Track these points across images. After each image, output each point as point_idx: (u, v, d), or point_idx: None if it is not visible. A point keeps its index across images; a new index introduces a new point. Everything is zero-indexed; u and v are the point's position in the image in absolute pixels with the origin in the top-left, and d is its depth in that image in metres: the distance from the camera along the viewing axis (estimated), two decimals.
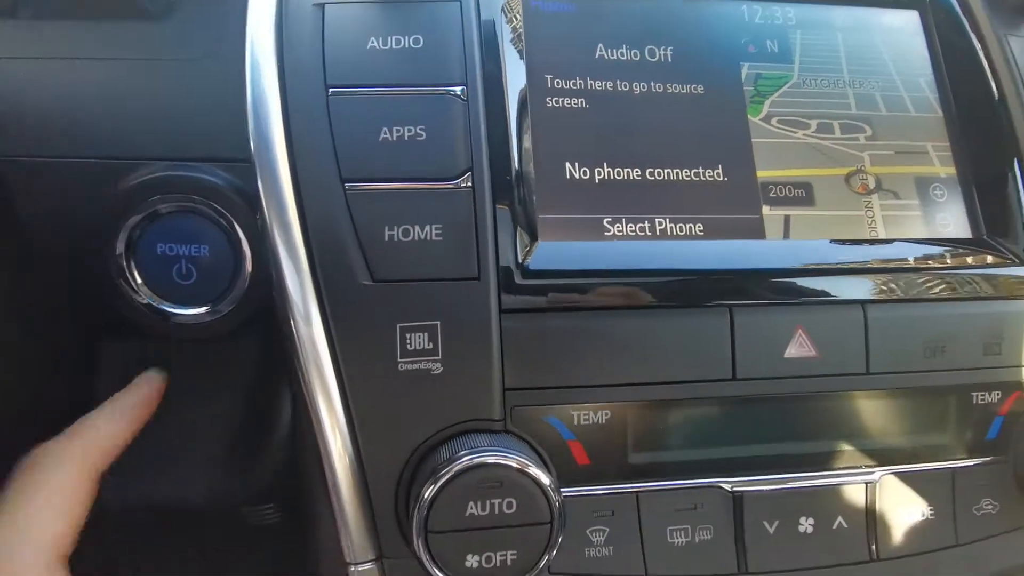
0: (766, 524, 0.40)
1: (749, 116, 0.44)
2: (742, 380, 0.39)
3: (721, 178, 0.43)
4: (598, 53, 0.43)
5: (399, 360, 0.36)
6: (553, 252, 0.39)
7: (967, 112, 0.47)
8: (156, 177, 0.41)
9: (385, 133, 0.38)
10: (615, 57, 0.44)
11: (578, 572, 0.38)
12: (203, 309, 0.42)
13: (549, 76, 0.42)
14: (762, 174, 0.43)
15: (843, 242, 0.43)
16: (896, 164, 0.45)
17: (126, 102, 0.45)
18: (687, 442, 0.40)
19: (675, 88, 0.44)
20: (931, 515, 0.42)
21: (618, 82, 0.43)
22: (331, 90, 0.38)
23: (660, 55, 0.44)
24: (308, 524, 0.42)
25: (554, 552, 0.35)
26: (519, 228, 0.39)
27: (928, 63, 0.48)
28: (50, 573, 0.35)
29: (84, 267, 0.42)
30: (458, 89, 0.39)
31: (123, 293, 0.41)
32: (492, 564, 0.34)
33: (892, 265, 0.43)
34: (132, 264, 0.41)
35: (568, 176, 0.41)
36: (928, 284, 0.43)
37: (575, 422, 0.38)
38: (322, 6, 0.40)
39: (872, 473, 0.41)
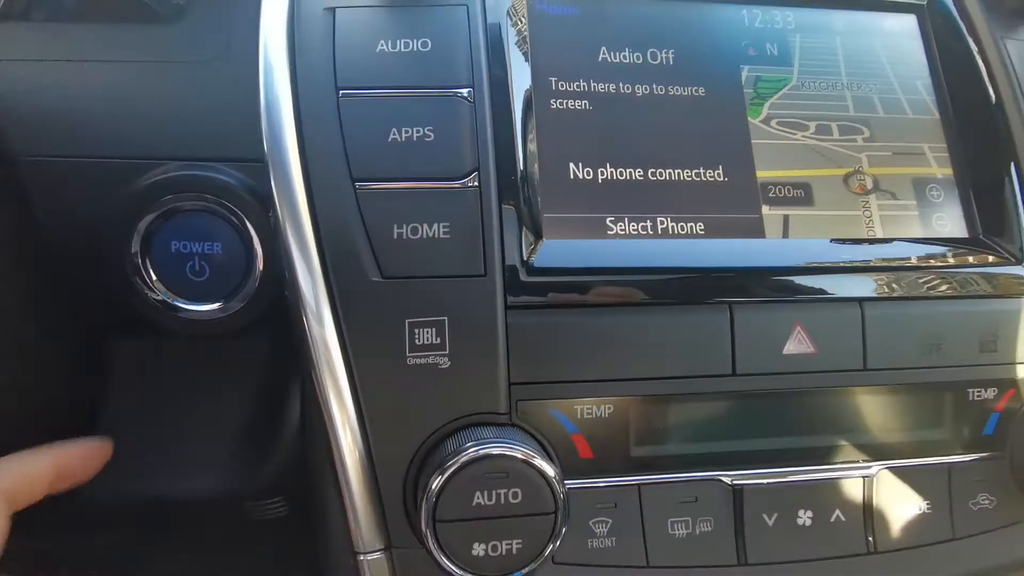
0: (765, 517, 0.41)
1: (749, 118, 0.45)
2: (742, 376, 0.40)
3: (721, 178, 0.44)
4: (601, 56, 0.44)
5: (408, 355, 0.37)
6: (557, 250, 0.40)
7: (964, 114, 0.48)
8: (169, 177, 0.42)
9: (394, 134, 0.39)
10: (618, 60, 0.45)
11: (581, 562, 0.39)
12: (216, 305, 0.43)
13: (553, 78, 0.43)
14: (762, 174, 0.44)
15: (841, 241, 0.44)
16: (893, 165, 0.46)
17: (140, 103, 0.46)
18: (688, 436, 0.41)
19: (676, 90, 0.45)
20: (928, 509, 0.43)
21: (621, 84, 0.44)
22: (342, 92, 0.39)
23: (662, 58, 0.45)
24: (317, 516, 0.42)
25: (558, 542, 0.36)
26: (524, 227, 0.40)
27: (925, 66, 0.49)
28: None
29: (98, 265, 0.43)
30: (465, 91, 0.40)
31: (138, 290, 0.42)
32: (498, 553, 0.35)
33: (889, 264, 0.43)
34: (147, 261, 0.42)
35: (572, 176, 0.42)
36: (925, 282, 0.43)
37: (579, 416, 0.39)
38: (333, 10, 0.41)
39: (870, 467, 0.42)
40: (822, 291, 0.42)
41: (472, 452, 0.35)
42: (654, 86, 0.45)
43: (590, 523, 0.39)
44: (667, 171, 0.43)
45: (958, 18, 0.50)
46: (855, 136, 0.46)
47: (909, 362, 0.42)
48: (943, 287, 0.44)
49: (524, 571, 0.36)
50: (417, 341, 0.37)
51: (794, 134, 0.46)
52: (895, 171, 0.46)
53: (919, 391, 0.43)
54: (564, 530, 0.36)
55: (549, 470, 0.36)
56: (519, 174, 0.40)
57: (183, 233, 0.42)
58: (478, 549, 0.35)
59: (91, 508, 0.52)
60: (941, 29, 0.50)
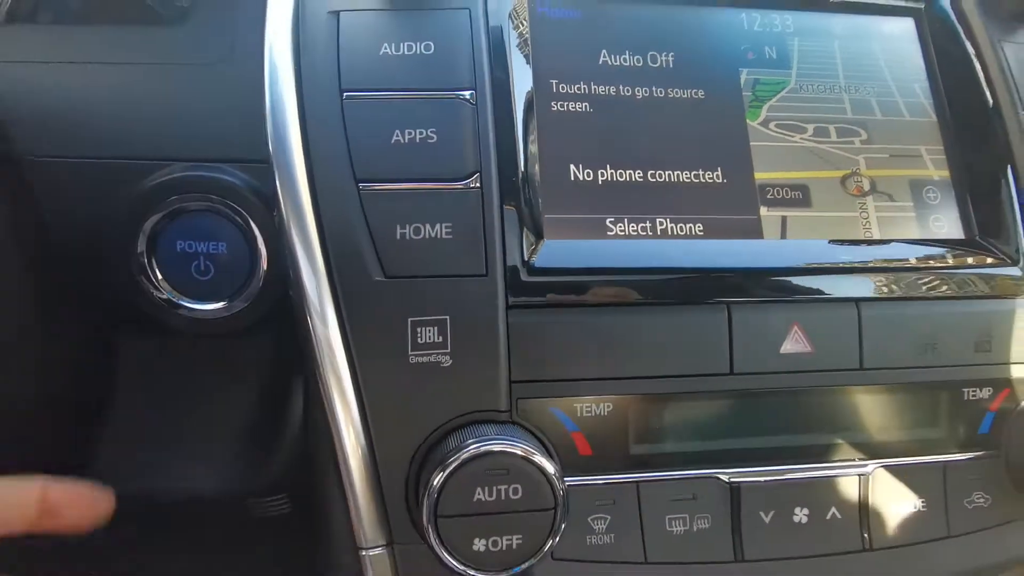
0: (762, 514, 0.41)
1: (748, 120, 0.46)
2: (739, 375, 0.41)
3: (720, 180, 0.44)
4: (602, 59, 0.45)
5: (410, 353, 0.38)
6: (558, 250, 0.41)
7: (961, 117, 0.48)
8: (174, 178, 0.43)
9: (397, 136, 0.39)
10: (618, 63, 0.45)
11: (580, 558, 0.39)
12: (220, 304, 0.43)
13: (555, 81, 0.44)
14: (760, 176, 0.45)
15: (838, 242, 0.44)
16: (890, 167, 0.47)
17: (145, 105, 0.47)
18: (686, 434, 0.42)
19: (676, 93, 0.45)
20: (923, 507, 0.43)
21: (621, 87, 0.45)
22: (346, 94, 0.40)
23: (662, 61, 0.46)
24: (320, 512, 0.43)
25: (557, 538, 0.37)
26: (525, 227, 0.40)
27: (923, 69, 0.50)
28: None
29: (103, 265, 0.44)
30: (467, 93, 0.41)
31: (143, 289, 0.43)
32: (499, 548, 0.35)
33: (885, 265, 0.44)
34: (152, 261, 0.43)
35: (572, 177, 0.42)
36: (921, 283, 0.44)
37: (578, 414, 0.40)
38: (337, 13, 0.41)
39: (865, 466, 0.43)
40: (819, 291, 0.43)
41: (473, 449, 0.35)
42: (654, 88, 0.45)
43: (589, 520, 0.40)
44: (666, 173, 0.44)
45: (956, 22, 0.50)
46: (853, 138, 0.47)
47: (905, 362, 0.43)
48: (939, 288, 0.44)
49: (524, 566, 0.36)
50: (419, 340, 0.38)
51: (792, 136, 0.46)
52: (892, 173, 0.47)
53: (915, 390, 0.44)
54: (563, 526, 0.37)
55: (549, 467, 0.36)
56: (520, 175, 0.41)
57: (188, 233, 0.43)
58: (479, 544, 0.35)
59: None
60: (939, 32, 0.50)
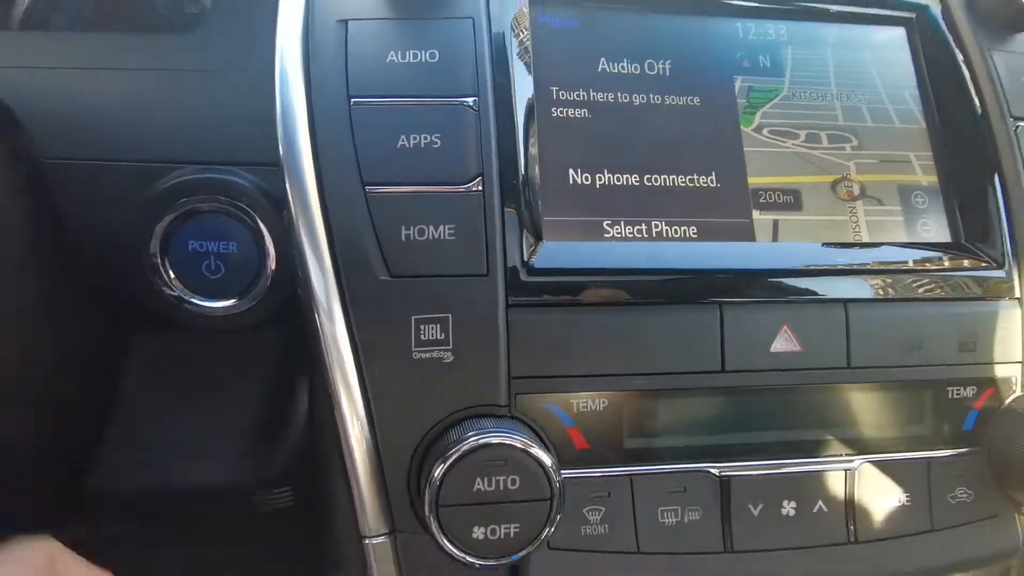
0: (751, 507, 0.43)
1: (742, 126, 0.47)
2: (730, 372, 0.42)
3: (714, 184, 0.46)
4: (601, 66, 0.46)
5: (413, 349, 0.39)
6: (556, 252, 0.42)
7: (950, 123, 0.50)
8: (186, 180, 0.44)
9: (403, 141, 0.41)
10: (616, 70, 0.47)
11: (575, 548, 0.41)
12: (230, 302, 0.45)
13: (555, 88, 0.45)
14: (753, 181, 0.46)
15: (828, 245, 0.46)
16: (880, 172, 0.48)
17: (159, 109, 0.48)
18: (678, 429, 0.43)
19: (672, 100, 0.47)
20: (907, 502, 0.45)
21: (619, 94, 0.46)
22: (353, 100, 0.41)
23: (659, 69, 0.47)
24: (325, 502, 0.44)
25: (553, 527, 0.38)
26: (525, 229, 0.42)
27: (913, 77, 0.51)
28: None
29: (117, 264, 0.45)
30: (470, 100, 0.42)
31: (156, 288, 0.44)
32: (497, 536, 0.37)
33: (874, 267, 0.45)
34: (165, 260, 0.44)
35: (571, 181, 0.44)
36: (907, 285, 0.45)
37: (575, 409, 0.41)
38: (345, 22, 0.43)
39: (852, 461, 0.44)
40: (809, 293, 0.44)
41: (473, 441, 0.37)
42: (651, 95, 0.47)
43: (584, 511, 0.41)
44: (662, 177, 0.45)
45: (946, 31, 0.52)
46: (843, 144, 0.48)
47: (891, 361, 0.44)
48: (925, 290, 0.46)
49: (521, 554, 0.38)
50: (423, 337, 0.39)
51: (785, 142, 0.48)
52: (882, 178, 0.48)
53: (900, 389, 0.45)
54: (559, 516, 0.38)
55: (546, 459, 0.38)
56: (521, 179, 0.42)
57: (200, 233, 0.44)
58: (478, 532, 0.37)
59: (101, 498, 0.54)
60: (929, 41, 0.52)
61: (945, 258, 0.47)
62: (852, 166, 0.48)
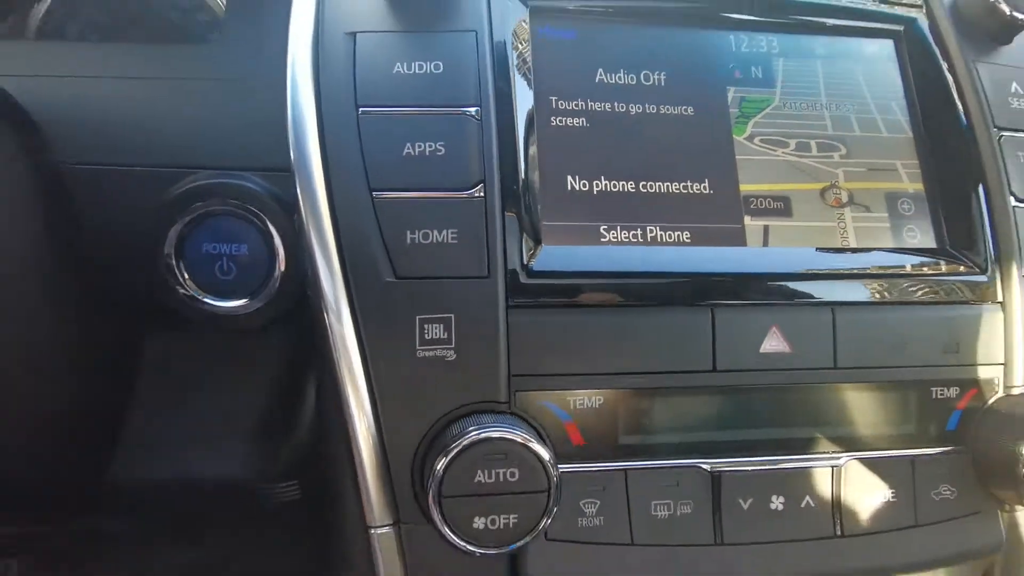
0: (741, 501, 0.44)
1: (734, 135, 0.49)
2: (721, 371, 0.44)
3: (707, 191, 0.47)
4: (598, 77, 0.48)
5: (418, 348, 0.41)
6: (555, 255, 0.44)
7: (936, 133, 0.51)
8: (200, 185, 0.46)
9: (408, 148, 0.43)
10: (614, 81, 0.48)
11: (572, 539, 0.42)
12: (241, 302, 0.47)
13: (554, 98, 0.47)
14: (745, 188, 0.48)
15: (817, 250, 0.48)
16: (868, 180, 0.50)
17: (175, 117, 0.50)
18: (671, 426, 0.45)
19: (667, 109, 0.49)
20: (892, 498, 0.46)
21: (616, 103, 0.48)
22: (361, 109, 0.43)
23: (654, 79, 0.49)
24: (332, 496, 0.46)
25: (551, 518, 0.40)
26: (525, 233, 0.43)
27: (900, 88, 0.53)
28: None
29: (132, 265, 0.47)
30: (473, 110, 0.44)
31: (170, 288, 0.46)
32: (496, 526, 0.39)
33: (860, 271, 0.47)
34: (180, 261, 0.46)
35: (569, 188, 0.46)
36: (893, 289, 0.47)
37: (572, 406, 0.43)
38: (354, 35, 0.45)
39: (839, 458, 0.46)
40: (797, 295, 0.46)
41: (474, 435, 0.39)
42: (647, 105, 0.48)
43: (580, 504, 0.43)
44: (657, 184, 0.47)
45: (933, 44, 0.53)
46: (832, 153, 0.50)
47: (876, 362, 0.46)
48: (910, 294, 0.47)
49: (519, 544, 0.39)
50: (426, 336, 0.41)
51: (775, 151, 0.49)
52: (869, 186, 0.50)
53: (886, 389, 0.47)
54: (556, 508, 0.40)
55: (544, 453, 0.39)
56: (521, 185, 0.44)
57: (213, 235, 0.46)
58: (479, 522, 0.39)
59: (114, 492, 0.56)
60: (916, 53, 0.53)
61: (930, 263, 0.49)
62: (840, 174, 0.50)
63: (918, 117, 0.52)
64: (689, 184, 0.47)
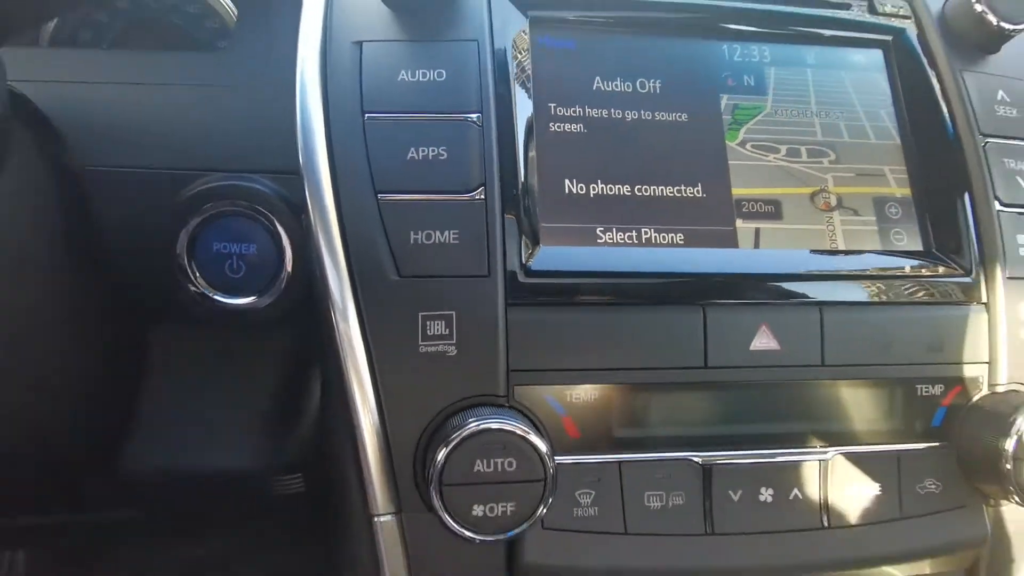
0: (731, 493, 0.46)
1: (727, 141, 0.51)
2: (712, 368, 0.46)
3: (700, 194, 0.49)
4: (596, 85, 0.50)
5: (420, 343, 0.43)
6: (553, 255, 0.46)
7: (923, 140, 0.53)
8: (211, 187, 0.48)
9: (412, 153, 0.44)
10: (610, 88, 0.50)
11: (568, 528, 0.44)
12: (250, 299, 0.48)
13: (553, 104, 0.49)
14: (737, 192, 0.50)
15: (806, 252, 0.49)
16: (856, 185, 0.52)
17: (187, 122, 0.52)
18: (664, 420, 0.46)
19: (662, 116, 0.50)
20: (879, 491, 0.48)
21: (613, 110, 0.50)
22: (367, 115, 0.45)
23: (650, 87, 0.51)
24: (336, 486, 0.48)
25: (547, 507, 0.41)
26: (524, 234, 0.45)
27: (889, 96, 0.54)
28: None
29: (145, 263, 0.49)
30: (475, 116, 0.46)
31: (182, 284, 0.48)
32: (495, 514, 0.40)
33: (848, 273, 0.49)
34: (191, 260, 0.48)
35: (567, 191, 0.48)
36: (880, 290, 0.49)
37: (568, 400, 0.45)
38: (360, 44, 0.46)
39: (826, 453, 0.47)
40: (787, 295, 0.47)
41: (474, 426, 0.40)
42: (642, 112, 0.50)
43: (576, 494, 0.44)
44: (652, 187, 0.49)
45: (921, 53, 0.55)
46: (822, 159, 0.52)
47: (863, 360, 0.47)
48: (896, 294, 0.49)
49: (517, 531, 0.41)
50: (428, 332, 0.43)
51: (767, 156, 0.51)
52: (858, 190, 0.52)
53: (872, 386, 0.48)
54: (552, 498, 0.41)
55: (541, 445, 0.41)
56: (521, 188, 0.46)
57: (224, 235, 0.48)
58: (478, 510, 0.40)
59: (124, 483, 0.57)
60: (905, 63, 0.55)
61: (916, 265, 0.50)
62: (830, 179, 0.51)
63: (906, 124, 0.54)
64: (683, 188, 0.49)
